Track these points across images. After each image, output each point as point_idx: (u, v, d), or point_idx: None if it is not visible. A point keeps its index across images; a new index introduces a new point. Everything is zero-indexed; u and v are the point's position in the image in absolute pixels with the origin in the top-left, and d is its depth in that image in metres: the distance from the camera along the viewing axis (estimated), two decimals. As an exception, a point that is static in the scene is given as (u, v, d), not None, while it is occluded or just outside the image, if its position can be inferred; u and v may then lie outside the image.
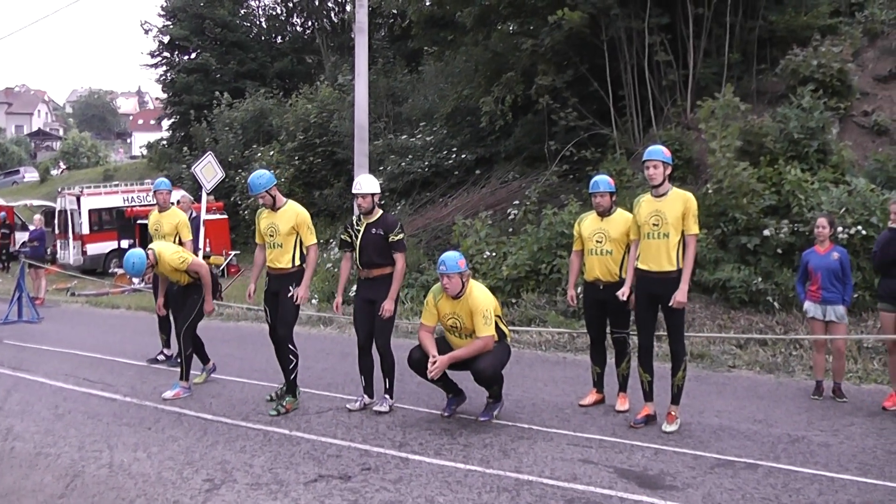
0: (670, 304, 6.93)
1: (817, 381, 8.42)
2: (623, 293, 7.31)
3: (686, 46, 16.12)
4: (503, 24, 18.37)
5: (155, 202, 10.67)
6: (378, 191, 7.93)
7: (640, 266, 7.21)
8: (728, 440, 6.82)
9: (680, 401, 7.17)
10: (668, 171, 7.19)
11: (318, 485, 6.00)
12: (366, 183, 7.89)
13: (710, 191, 12.51)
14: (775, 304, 11.34)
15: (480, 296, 7.32)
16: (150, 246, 8.82)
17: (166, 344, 10.48)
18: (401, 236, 7.83)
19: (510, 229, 15.02)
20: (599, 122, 17.06)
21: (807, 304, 8.52)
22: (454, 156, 20.31)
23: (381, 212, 8.00)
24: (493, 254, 13.64)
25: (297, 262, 8.06)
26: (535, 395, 8.47)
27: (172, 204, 10.62)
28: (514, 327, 11.48)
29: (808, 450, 6.54)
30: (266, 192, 8.03)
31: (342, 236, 8.17)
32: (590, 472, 6.08)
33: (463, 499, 5.64)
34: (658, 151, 7.15)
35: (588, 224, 8.09)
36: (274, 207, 8.13)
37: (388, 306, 7.70)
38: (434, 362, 7.09)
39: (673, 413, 7.15)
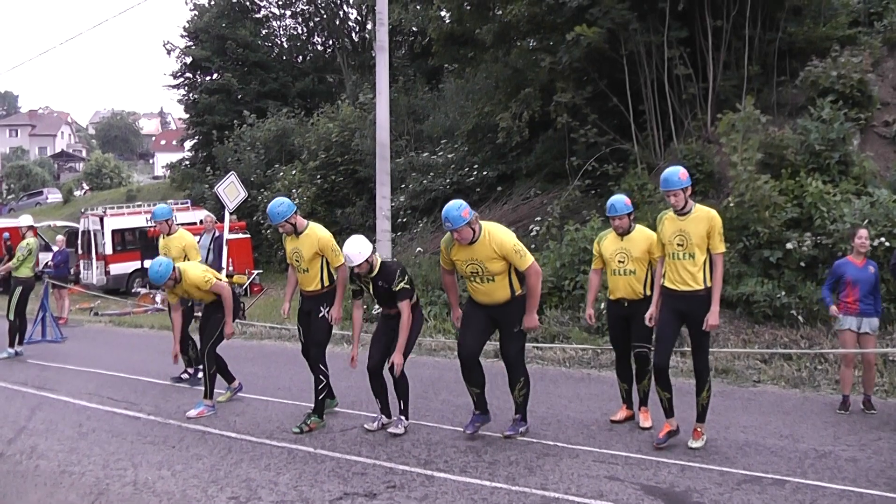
0: (703, 327, 6.87)
1: (844, 396, 8.37)
2: (649, 316, 7.25)
3: (706, 59, 16.09)
4: (523, 40, 18.40)
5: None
6: (370, 250, 7.67)
7: (667, 285, 7.11)
8: (755, 456, 6.80)
9: (706, 418, 7.12)
10: (689, 192, 7.04)
11: (343, 503, 6.03)
12: (357, 254, 7.55)
13: (731, 204, 12.47)
14: (799, 317, 11.28)
15: (500, 233, 7.21)
16: (176, 264, 8.89)
17: (188, 363, 10.54)
18: (403, 285, 7.61)
19: (532, 245, 14.97)
20: (620, 136, 17.03)
21: (841, 317, 8.44)
22: (476, 173, 20.36)
23: (379, 261, 7.84)
24: (516, 270, 13.61)
25: (327, 283, 8.12)
26: (560, 412, 8.46)
27: (179, 226, 10.62)
28: (538, 344, 11.50)
29: (835, 465, 6.51)
30: (286, 220, 7.99)
31: (352, 287, 8.05)
32: (616, 488, 6.08)
33: (489, 516, 5.66)
34: (674, 180, 6.93)
35: (608, 244, 7.94)
36: (296, 233, 8.11)
37: (397, 360, 7.56)
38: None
39: (699, 430, 7.09)
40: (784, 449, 6.99)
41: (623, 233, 7.83)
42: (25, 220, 14.21)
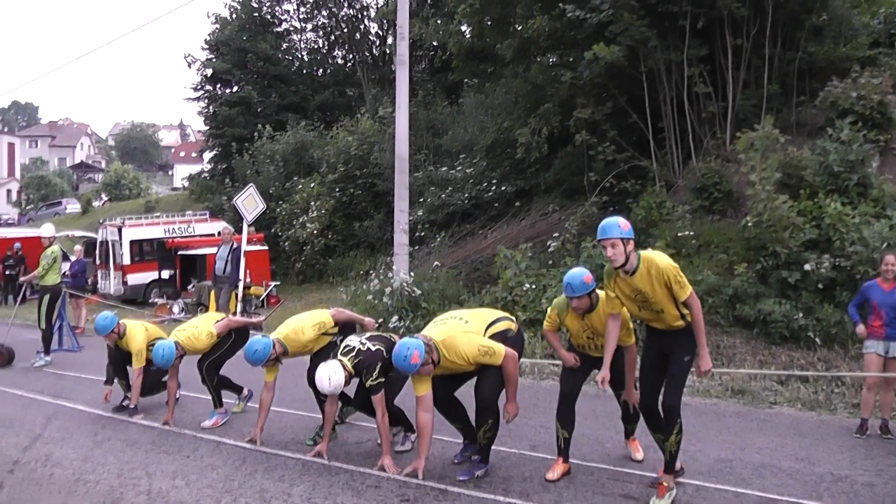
0: (698, 375, 6.53)
1: (862, 420, 8.31)
2: (601, 378, 6.52)
3: (725, 78, 16.11)
4: (543, 56, 18.45)
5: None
6: (341, 376, 7.01)
7: (649, 324, 6.57)
8: (770, 478, 6.77)
9: (674, 469, 6.38)
10: (631, 247, 6.27)
11: (357, 516, 6.04)
12: (328, 386, 6.99)
13: (749, 224, 12.45)
14: (817, 339, 11.22)
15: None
16: (175, 339, 8.93)
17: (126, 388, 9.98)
18: (371, 382, 7.06)
19: (550, 261, 15.00)
20: (639, 153, 17.05)
21: (868, 341, 8.41)
22: (494, 188, 20.37)
23: (351, 366, 7.13)
24: (533, 286, 13.61)
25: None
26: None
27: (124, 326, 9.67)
28: (554, 360, 11.47)
29: (851, 490, 6.48)
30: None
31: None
32: (630, 508, 6.08)
33: (503, 533, 5.66)
34: (612, 227, 6.22)
35: (572, 321, 7.04)
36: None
37: (386, 462, 7.10)
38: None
39: (665, 484, 6.24)
40: (800, 472, 6.95)
41: (584, 312, 6.94)
42: (47, 229, 14.28)
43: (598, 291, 6.90)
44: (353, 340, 7.40)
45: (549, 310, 7.19)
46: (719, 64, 16.22)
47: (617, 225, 6.26)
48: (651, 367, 6.51)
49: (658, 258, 6.19)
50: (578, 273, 6.73)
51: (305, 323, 8.18)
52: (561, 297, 7.02)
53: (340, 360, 7.11)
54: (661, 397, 6.40)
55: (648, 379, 6.55)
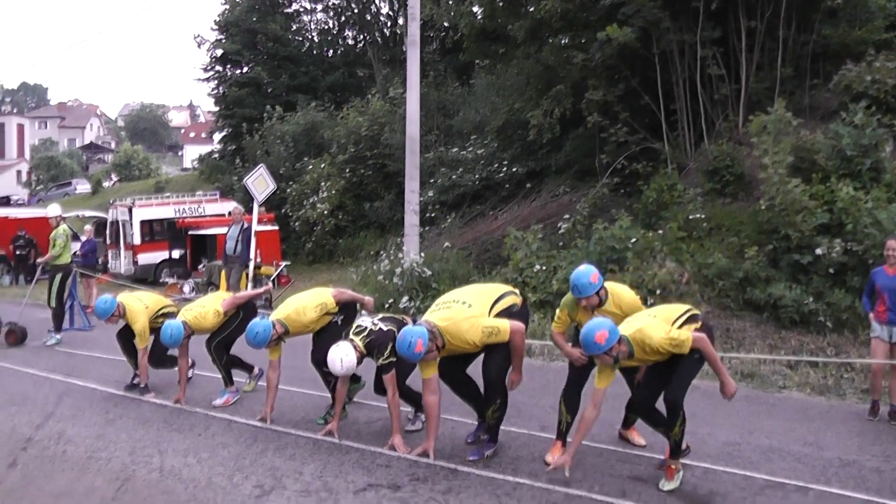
0: (724, 397, 6.28)
1: (873, 401, 8.32)
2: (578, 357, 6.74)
3: (739, 60, 16.03)
4: (555, 37, 18.38)
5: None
6: (353, 355, 7.02)
7: None
8: (778, 462, 6.78)
9: (679, 453, 6.38)
10: (618, 349, 5.97)
11: (367, 493, 6.09)
12: (341, 367, 7.01)
13: (762, 207, 12.40)
14: (828, 324, 11.19)
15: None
16: (183, 319, 8.95)
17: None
18: (382, 361, 7.07)
19: (560, 243, 14.98)
20: (651, 135, 17.00)
21: (874, 325, 8.41)
22: (505, 169, 20.34)
23: (363, 345, 7.16)
24: (544, 267, 13.60)
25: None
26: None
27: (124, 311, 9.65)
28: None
29: (859, 475, 6.49)
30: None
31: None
32: (639, 489, 6.10)
33: (512, 512, 5.68)
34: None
35: (582, 315, 6.92)
36: None
37: (396, 441, 7.19)
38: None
39: (673, 466, 6.26)
40: (808, 456, 6.96)
41: (594, 308, 6.86)
42: (53, 209, 14.28)
43: (605, 287, 6.87)
44: (365, 321, 7.40)
45: (557, 311, 7.14)
46: (733, 46, 16.12)
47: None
48: (652, 368, 6.48)
49: (648, 339, 6.02)
50: (585, 272, 6.68)
51: (307, 304, 8.17)
52: (569, 296, 6.96)
53: (352, 340, 7.12)
54: (661, 396, 6.40)
55: (649, 381, 6.54)
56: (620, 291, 7.10)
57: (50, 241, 13.89)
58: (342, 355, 6.97)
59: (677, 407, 6.13)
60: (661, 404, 6.34)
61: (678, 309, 6.48)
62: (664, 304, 7.08)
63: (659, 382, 6.38)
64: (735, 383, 6.37)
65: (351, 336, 7.23)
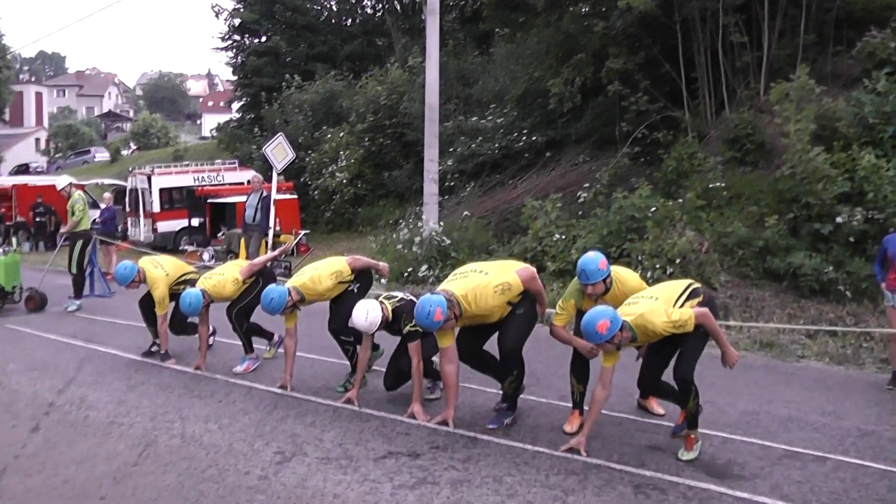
0: (725, 365, 6.32)
1: (894, 372, 8.27)
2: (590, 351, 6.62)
3: (761, 27, 15.86)
4: (575, 5, 18.21)
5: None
6: (379, 311, 7.16)
7: None
8: (796, 431, 6.78)
9: (697, 424, 6.25)
10: (620, 336, 5.89)
11: (387, 461, 6.12)
12: (366, 323, 7.10)
13: (785, 174, 12.31)
14: (847, 293, 11.15)
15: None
16: (202, 287, 8.99)
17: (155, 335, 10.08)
18: (410, 328, 7.04)
19: (580, 212, 14.94)
20: (671, 104, 16.90)
21: (886, 294, 8.33)
22: (524, 138, 20.24)
23: (391, 310, 7.32)
24: (563, 237, 13.59)
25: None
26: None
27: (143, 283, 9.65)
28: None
29: (877, 444, 6.47)
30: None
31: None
32: (657, 458, 6.11)
33: (531, 479, 5.72)
34: (591, 334, 5.88)
35: (588, 304, 6.72)
36: None
37: (416, 409, 7.20)
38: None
39: (693, 436, 6.21)
40: (826, 426, 6.95)
41: (598, 297, 6.77)
42: (63, 180, 14.20)
43: (612, 274, 6.82)
44: (397, 293, 7.57)
45: (560, 302, 6.98)
46: (755, 13, 15.95)
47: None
48: (653, 347, 6.49)
49: (650, 325, 5.97)
50: (593, 258, 6.62)
51: (323, 272, 8.17)
52: (573, 286, 6.89)
53: (382, 302, 7.24)
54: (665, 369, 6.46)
55: (652, 359, 6.54)
56: (626, 278, 7.08)
57: (68, 210, 13.94)
58: (369, 308, 7.10)
59: (688, 383, 6.07)
60: (667, 377, 6.37)
61: (679, 286, 6.44)
62: (665, 283, 7.02)
63: (662, 359, 6.43)
64: (736, 352, 6.37)
65: (382, 299, 7.33)
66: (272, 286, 7.98)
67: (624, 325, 5.91)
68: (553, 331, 6.89)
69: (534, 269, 6.99)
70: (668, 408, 7.15)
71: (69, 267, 13.89)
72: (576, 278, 6.80)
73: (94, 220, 16.70)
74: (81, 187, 14.89)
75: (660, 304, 6.12)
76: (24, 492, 5.65)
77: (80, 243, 13.81)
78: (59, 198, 17.59)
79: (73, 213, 13.77)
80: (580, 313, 6.64)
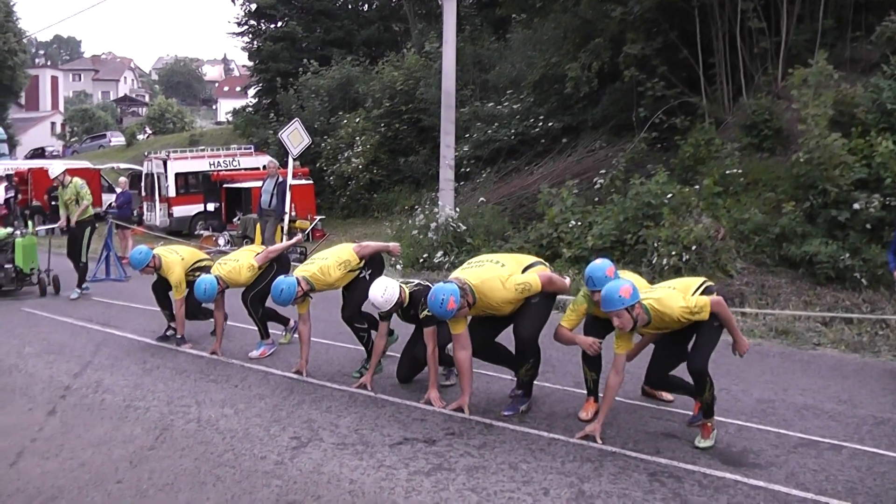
0: (736, 353, 6.30)
1: (910, 361, 8.26)
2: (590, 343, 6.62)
3: (779, 12, 15.74)
4: (593, -10, 18.13)
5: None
6: (397, 290, 7.20)
7: None
8: (812, 419, 6.77)
9: (713, 413, 6.18)
10: (638, 310, 5.92)
11: (403, 447, 6.14)
12: (383, 300, 7.13)
13: (801, 160, 12.25)
14: (863, 280, 11.10)
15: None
16: (217, 273, 8.99)
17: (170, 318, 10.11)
18: (427, 313, 6.95)
19: (596, 199, 14.90)
20: (688, 89, 16.81)
21: None
22: (541, 124, 20.16)
23: (408, 293, 7.37)
24: (579, 223, 13.57)
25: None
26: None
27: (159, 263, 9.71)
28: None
29: (893, 433, 6.45)
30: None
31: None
32: (673, 446, 6.11)
33: (546, 466, 5.73)
34: (613, 300, 5.81)
35: (598, 310, 6.49)
36: None
37: (432, 395, 7.21)
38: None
39: (709, 424, 6.17)
40: (842, 414, 6.94)
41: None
42: (56, 168, 13.76)
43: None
44: (413, 279, 7.63)
45: (569, 308, 6.85)
46: (774, -2, 15.86)
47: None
48: (663, 342, 6.51)
49: (668, 310, 5.96)
50: (601, 266, 6.49)
51: (331, 263, 8.14)
52: (582, 294, 6.74)
53: (401, 285, 7.28)
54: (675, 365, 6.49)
55: (661, 353, 6.54)
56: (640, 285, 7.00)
57: (69, 198, 13.37)
58: (387, 285, 7.14)
59: (703, 375, 6.01)
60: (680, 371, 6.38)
61: (694, 281, 6.42)
62: (680, 278, 7.01)
63: (672, 355, 6.44)
64: (748, 341, 6.38)
65: (401, 282, 7.38)
66: (281, 277, 7.98)
67: (641, 303, 5.94)
68: (558, 332, 6.78)
69: (550, 273, 6.95)
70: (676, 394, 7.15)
71: (81, 256, 13.47)
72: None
73: (110, 203, 16.72)
74: (75, 173, 14.68)
75: (677, 292, 6.13)
76: (41, 475, 5.69)
77: (88, 230, 13.54)
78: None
79: (77, 201, 13.32)
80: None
